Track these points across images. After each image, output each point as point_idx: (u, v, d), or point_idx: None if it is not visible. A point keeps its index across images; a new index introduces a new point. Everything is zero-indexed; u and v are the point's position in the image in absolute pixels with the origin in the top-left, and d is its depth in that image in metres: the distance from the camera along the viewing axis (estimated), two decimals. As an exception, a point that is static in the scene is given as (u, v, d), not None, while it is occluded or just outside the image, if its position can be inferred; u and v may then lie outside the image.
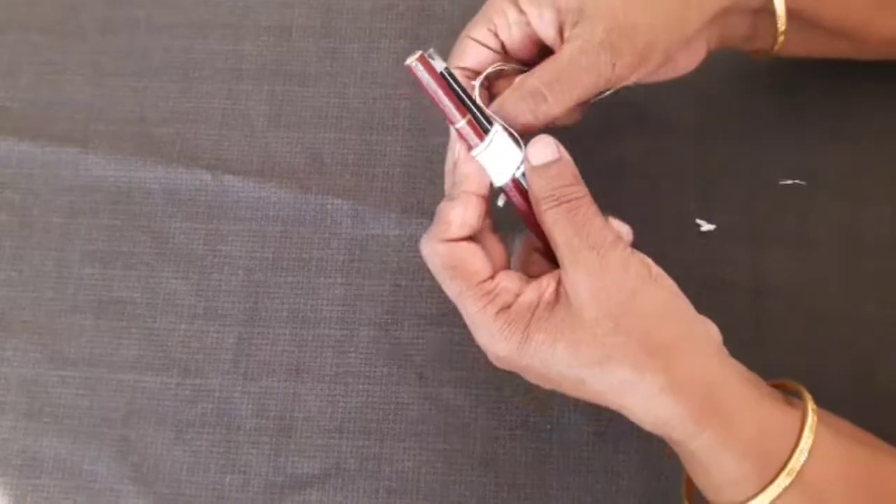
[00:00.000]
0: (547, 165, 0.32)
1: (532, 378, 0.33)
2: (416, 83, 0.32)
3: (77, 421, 0.44)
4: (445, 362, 0.44)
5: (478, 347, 0.44)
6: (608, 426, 0.42)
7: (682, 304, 0.32)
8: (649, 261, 0.32)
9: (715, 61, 0.48)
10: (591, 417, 0.42)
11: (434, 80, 0.32)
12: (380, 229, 0.46)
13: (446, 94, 0.32)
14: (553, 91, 0.33)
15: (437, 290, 0.45)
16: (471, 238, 0.33)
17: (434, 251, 0.33)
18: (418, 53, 0.32)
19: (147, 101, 0.50)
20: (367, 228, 0.46)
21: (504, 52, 0.36)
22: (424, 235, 0.33)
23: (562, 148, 0.33)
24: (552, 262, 0.33)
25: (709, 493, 0.32)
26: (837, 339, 0.43)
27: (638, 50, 0.33)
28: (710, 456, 0.30)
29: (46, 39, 0.52)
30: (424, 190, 0.47)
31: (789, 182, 0.46)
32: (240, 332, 0.45)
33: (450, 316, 0.45)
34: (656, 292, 0.31)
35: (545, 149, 0.32)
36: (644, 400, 0.30)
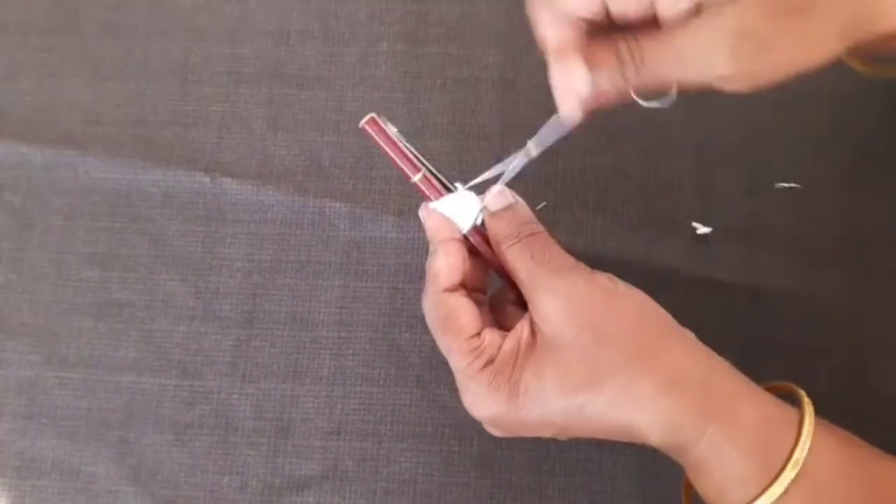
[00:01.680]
0: (504, 209, 0.34)
1: (529, 431, 0.33)
2: (372, 142, 0.34)
3: (76, 422, 0.44)
4: (443, 364, 0.43)
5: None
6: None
7: (656, 307, 0.32)
8: (613, 276, 0.33)
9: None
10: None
11: (385, 141, 0.34)
12: (377, 232, 0.47)
13: (397, 153, 0.34)
14: (650, 64, 0.31)
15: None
16: (464, 288, 0.34)
17: (429, 304, 0.34)
18: (369, 116, 0.34)
19: (146, 104, 0.50)
20: (364, 231, 0.47)
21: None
22: (422, 295, 0.35)
23: (516, 195, 0.35)
24: (525, 310, 0.34)
25: (712, 498, 0.32)
26: (834, 340, 0.43)
27: (756, 69, 0.31)
28: (715, 454, 0.30)
29: (45, 42, 0.52)
30: (422, 193, 0.47)
31: (785, 185, 0.46)
32: (238, 335, 0.45)
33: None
34: (627, 299, 0.32)
35: (501, 197, 0.35)
36: (645, 406, 0.30)
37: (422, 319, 0.44)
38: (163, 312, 0.46)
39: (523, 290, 0.33)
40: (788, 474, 0.29)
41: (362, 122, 0.34)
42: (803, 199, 0.46)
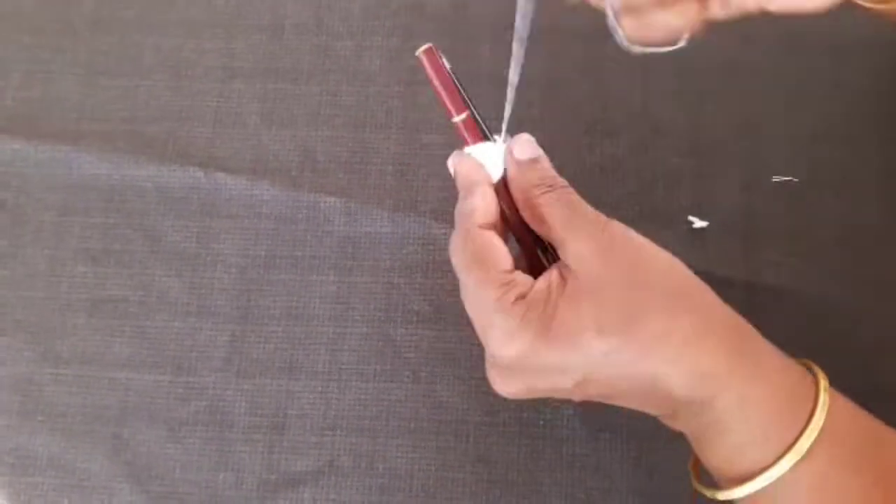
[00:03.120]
0: (534, 160, 0.34)
1: (547, 380, 0.31)
2: (425, 74, 0.33)
3: (70, 419, 0.44)
4: (438, 359, 0.44)
5: (471, 345, 0.44)
6: (601, 422, 0.42)
7: (682, 263, 0.32)
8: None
9: (711, 57, 0.48)
10: (583, 414, 0.42)
11: (438, 74, 0.33)
12: (372, 227, 0.46)
13: (449, 88, 0.33)
14: None
15: (430, 288, 0.45)
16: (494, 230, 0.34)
17: (459, 241, 0.33)
18: (427, 45, 0.33)
19: (139, 99, 0.50)
20: (359, 226, 0.46)
21: None
22: (452, 236, 0.33)
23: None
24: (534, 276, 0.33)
25: (721, 464, 0.31)
26: (832, 335, 0.43)
27: None
28: (738, 409, 0.30)
29: (38, 39, 0.52)
30: (417, 187, 0.47)
31: (783, 179, 0.46)
32: (233, 330, 0.45)
33: (443, 314, 0.45)
34: (661, 252, 0.32)
35: (530, 146, 0.34)
36: (680, 348, 0.29)
37: (417, 315, 0.45)
38: (157, 308, 0.46)
39: (555, 236, 0.32)
40: (818, 421, 0.29)
41: (419, 51, 0.33)
42: (800, 192, 0.46)
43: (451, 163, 0.34)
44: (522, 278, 0.32)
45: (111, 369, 0.45)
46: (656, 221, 0.45)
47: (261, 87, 0.50)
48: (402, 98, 0.49)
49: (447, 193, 0.47)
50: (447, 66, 0.34)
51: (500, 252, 0.32)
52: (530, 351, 0.30)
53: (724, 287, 0.43)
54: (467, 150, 0.34)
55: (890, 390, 0.42)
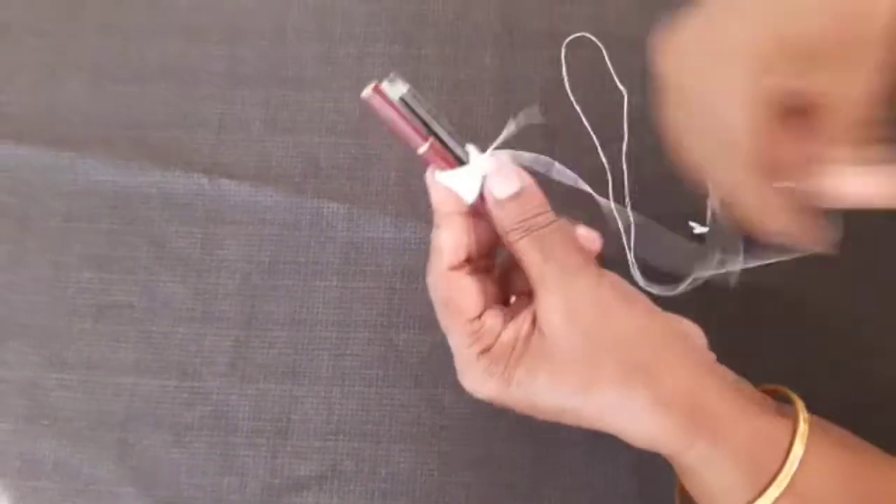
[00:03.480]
0: (511, 198, 0.32)
1: (526, 412, 0.33)
2: (375, 116, 0.31)
3: (76, 424, 0.44)
4: (440, 364, 0.44)
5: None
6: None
7: (658, 319, 0.32)
8: (620, 279, 0.32)
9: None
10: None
11: (389, 113, 0.31)
12: (375, 232, 0.47)
13: (404, 120, 0.31)
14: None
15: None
16: (471, 258, 0.34)
17: (432, 280, 0.33)
18: (372, 85, 0.31)
19: (144, 105, 0.50)
20: (362, 231, 0.47)
21: None
22: (427, 269, 0.34)
23: (525, 175, 0.32)
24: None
25: (704, 501, 0.32)
26: (831, 338, 0.43)
27: None
28: (703, 466, 0.31)
29: (44, 43, 0.52)
30: (420, 193, 0.47)
31: (781, 184, 0.46)
32: (237, 336, 0.45)
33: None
34: (630, 310, 0.32)
35: (507, 180, 0.32)
36: (633, 419, 0.31)
37: (419, 319, 0.45)
38: (162, 314, 0.46)
39: (530, 280, 0.32)
40: (773, 492, 0.29)
41: (365, 92, 0.30)
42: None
43: (427, 182, 0.33)
44: (490, 325, 0.32)
45: (116, 374, 0.45)
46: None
47: (264, 93, 0.50)
48: (405, 104, 0.49)
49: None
50: (402, 90, 0.31)
51: (468, 297, 0.32)
52: (496, 397, 0.32)
53: (723, 290, 0.44)
54: (438, 176, 0.32)
55: (890, 390, 0.42)
